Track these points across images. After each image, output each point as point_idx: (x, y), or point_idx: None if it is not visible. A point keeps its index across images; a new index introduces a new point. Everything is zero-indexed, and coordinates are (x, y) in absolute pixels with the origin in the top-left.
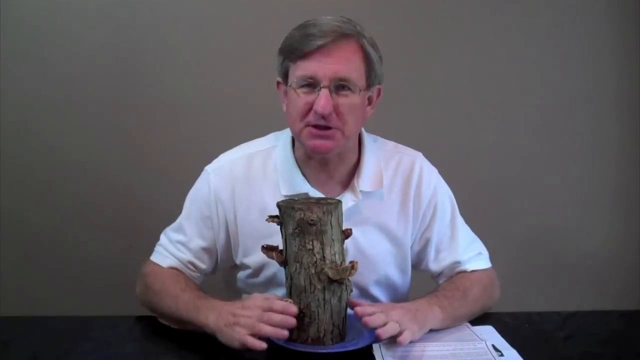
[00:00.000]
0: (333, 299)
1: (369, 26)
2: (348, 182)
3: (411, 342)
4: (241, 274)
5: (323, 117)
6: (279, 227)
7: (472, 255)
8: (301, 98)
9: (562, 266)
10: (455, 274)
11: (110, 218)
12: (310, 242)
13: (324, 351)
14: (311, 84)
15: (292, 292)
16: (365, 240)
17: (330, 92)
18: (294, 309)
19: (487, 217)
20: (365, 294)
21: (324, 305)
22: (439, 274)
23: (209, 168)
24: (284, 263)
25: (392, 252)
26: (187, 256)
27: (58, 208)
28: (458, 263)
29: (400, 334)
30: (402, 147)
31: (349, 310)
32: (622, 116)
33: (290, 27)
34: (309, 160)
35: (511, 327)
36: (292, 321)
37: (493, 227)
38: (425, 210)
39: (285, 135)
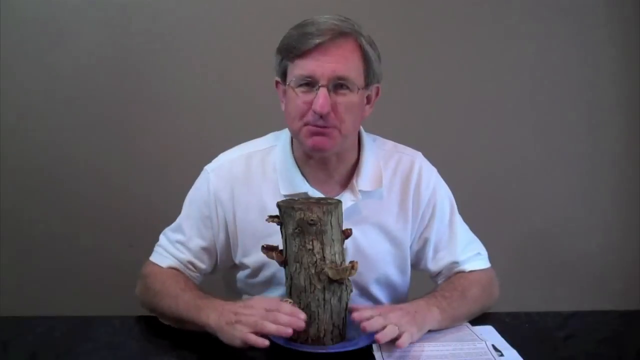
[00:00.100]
0: (333, 299)
1: (367, 25)
2: (347, 181)
3: (410, 343)
4: (241, 274)
5: (321, 116)
6: (278, 227)
7: (471, 255)
8: (299, 97)
9: (562, 266)
10: (454, 274)
11: (110, 218)
12: (310, 242)
13: (324, 351)
14: (309, 83)
15: (292, 292)
16: (364, 240)
17: (329, 91)
18: (303, 314)
19: (487, 217)
20: (364, 293)
21: (324, 305)
22: (437, 274)
23: (208, 168)
24: (284, 263)
25: (392, 251)
26: (186, 256)
27: (58, 208)
28: (456, 263)
29: (399, 336)
30: (401, 147)
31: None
32: (622, 116)
33: (289, 27)
34: (308, 160)
35: (511, 327)
36: (301, 324)
37: (493, 227)
38: (424, 210)
39: (285, 135)
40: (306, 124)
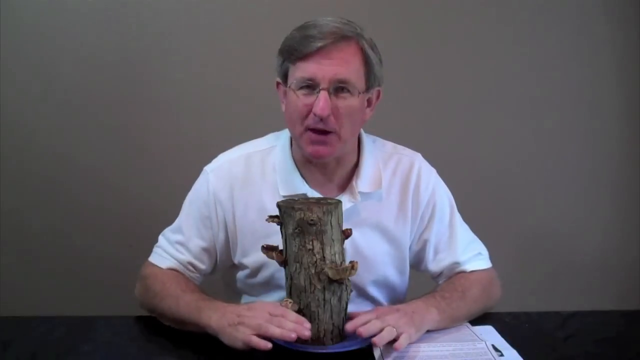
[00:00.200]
0: (333, 299)
1: (367, 25)
2: (347, 183)
3: (409, 344)
4: (240, 274)
5: (321, 119)
6: (278, 227)
7: (472, 255)
8: (300, 100)
9: (562, 266)
10: (455, 275)
11: (110, 218)
12: (310, 242)
13: (324, 351)
14: (310, 86)
15: (292, 292)
16: (363, 241)
17: (330, 94)
18: (309, 324)
19: (487, 217)
20: (363, 294)
21: (324, 305)
22: (438, 275)
23: (208, 168)
24: (284, 263)
25: (391, 252)
26: (186, 257)
27: (58, 208)
28: (457, 263)
29: (397, 338)
30: (400, 148)
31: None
32: (622, 116)
33: (290, 27)
34: (308, 162)
35: (511, 327)
36: (307, 333)
37: (493, 227)
38: (423, 211)
39: (285, 135)
40: (307, 129)
